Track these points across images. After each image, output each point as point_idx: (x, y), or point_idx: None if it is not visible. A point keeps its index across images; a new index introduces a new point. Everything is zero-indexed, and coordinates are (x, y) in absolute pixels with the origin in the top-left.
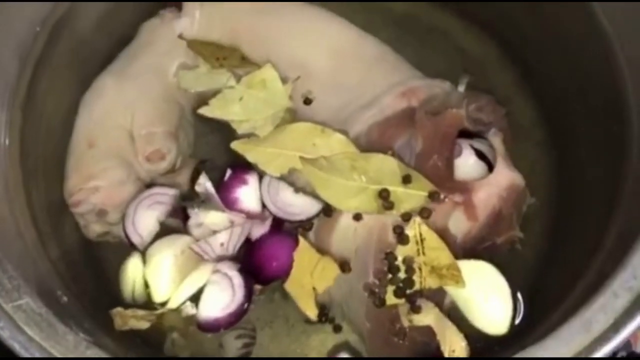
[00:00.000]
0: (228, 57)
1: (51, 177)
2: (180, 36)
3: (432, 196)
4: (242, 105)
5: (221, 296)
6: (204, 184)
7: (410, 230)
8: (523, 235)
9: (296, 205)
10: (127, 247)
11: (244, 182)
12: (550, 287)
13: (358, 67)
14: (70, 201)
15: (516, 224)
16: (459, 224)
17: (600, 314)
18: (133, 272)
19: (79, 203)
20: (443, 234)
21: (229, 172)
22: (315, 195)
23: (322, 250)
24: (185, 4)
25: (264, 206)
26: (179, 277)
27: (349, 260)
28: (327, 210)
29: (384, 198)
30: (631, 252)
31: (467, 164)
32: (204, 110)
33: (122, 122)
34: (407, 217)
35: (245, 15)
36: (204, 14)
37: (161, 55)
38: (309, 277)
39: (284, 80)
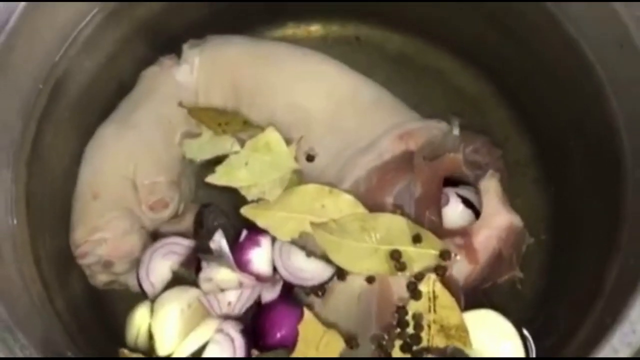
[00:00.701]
0: (230, 122)
1: (57, 229)
2: (180, 104)
3: (444, 255)
4: (248, 170)
5: (222, 355)
6: (219, 241)
7: (424, 287)
8: (523, 275)
9: (308, 271)
10: (133, 295)
11: (257, 244)
12: (552, 321)
13: (356, 111)
14: (76, 253)
15: (516, 264)
16: (461, 268)
17: None
18: (140, 320)
19: (85, 255)
20: (447, 280)
21: (244, 233)
22: (327, 259)
23: (332, 315)
24: (185, 51)
25: (275, 270)
26: (184, 331)
27: (356, 335)
28: (341, 275)
29: (396, 259)
30: (629, 305)
31: (455, 212)
32: (211, 179)
33: (124, 172)
34: (420, 276)
35: (245, 62)
36: (204, 61)
37: (162, 103)
38: (314, 350)
39: (288, 142)
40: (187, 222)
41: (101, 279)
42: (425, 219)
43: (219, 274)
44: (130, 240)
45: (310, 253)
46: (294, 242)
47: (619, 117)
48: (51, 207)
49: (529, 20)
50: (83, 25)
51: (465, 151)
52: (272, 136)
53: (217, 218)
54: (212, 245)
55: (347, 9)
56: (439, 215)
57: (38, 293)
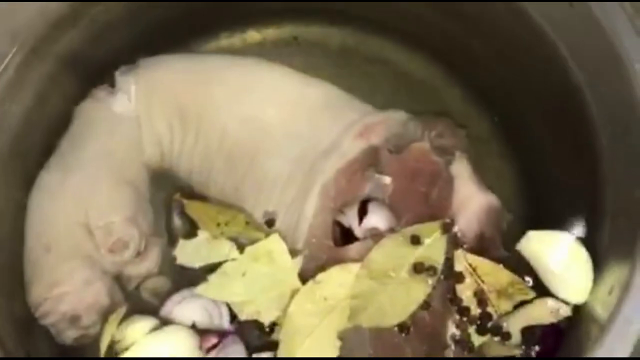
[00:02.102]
0: (230, 222)
1: (10, 291)
2: (177, 197)
3: (445, 228)
4: (245, 282)
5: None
6: None
7: (458, 265)
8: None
9: None
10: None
11: None
12: None
13: (309, 114)
14: (37, 314)
15: (499, 244)
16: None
17: (617, 344)
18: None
19: (47, 314)
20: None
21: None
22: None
23: None
24: (118, 79)
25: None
26: None
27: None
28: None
29: (421, 270)
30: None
31: (379, 218)
32: (203, 290)
33: (75, 217)
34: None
35: (184, 81)
36: (140, 86)
37: (103, 137)
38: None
39: (293, 253)
40: (152, 259)
41: (69, 335)
42: (405, 215)
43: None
44: (94, 290)
45: None
46: None
47: (579, 75)
48: (1, 269)
49: None
50: (2, 68)
51: (430, 137)
52: (275, 245)
53: None
54: None
55: (281, 8)
56: (427, 200)
57: None
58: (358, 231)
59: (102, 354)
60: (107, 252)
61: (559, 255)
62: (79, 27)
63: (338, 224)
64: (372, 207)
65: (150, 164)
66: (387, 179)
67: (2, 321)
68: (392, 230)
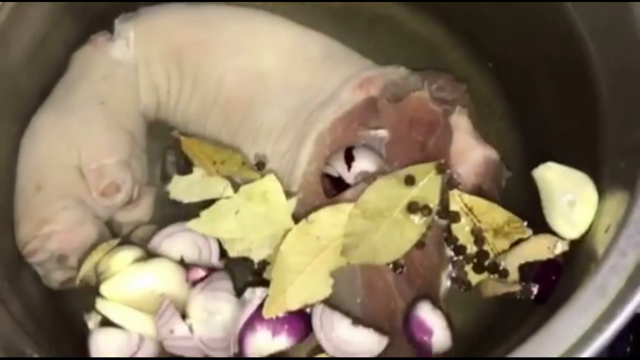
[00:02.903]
0: (226, 161)
1: (1, 228)
2: (175, 134)
3: (440, 168)
4: (237, 220)
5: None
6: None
7: (454, 205)
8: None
9: (356, 342)
10: (95, 293)
11: None
12: None
13: (308, 65)
14: (24, 251)
15: (497, 199)
16: None
17: (611, 276)
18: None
19: (34, 252)
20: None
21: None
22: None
23: None
24: (117, 26)
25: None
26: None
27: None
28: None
29: (415, 210)
30: (631, 209)
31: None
32: (194, 225)
33: (68, 159)
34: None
35: (184, 30)
36: (139, 33)
37: (99, 83)
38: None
39: (288, 194)
40: (144, 207)
41: (56, 277)
42: (400, 161)
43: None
44: (84, 230)
45: (356, 321)
46: (335, 307)
47: (581, 23)
48: None
49: None
50: (1, 5)
51: (431, 89)
52: (270, 185)
53: None
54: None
55: None
56: (425, 150)
57: None
58: (348, 177)
59: (77, 280)
60: (98, 195)
61: (571, 190)
62: None
63: (327, 176)
64: (358, 152)
65: (146, 112)
66: (384, 131)
67: None
68: (384, 172)
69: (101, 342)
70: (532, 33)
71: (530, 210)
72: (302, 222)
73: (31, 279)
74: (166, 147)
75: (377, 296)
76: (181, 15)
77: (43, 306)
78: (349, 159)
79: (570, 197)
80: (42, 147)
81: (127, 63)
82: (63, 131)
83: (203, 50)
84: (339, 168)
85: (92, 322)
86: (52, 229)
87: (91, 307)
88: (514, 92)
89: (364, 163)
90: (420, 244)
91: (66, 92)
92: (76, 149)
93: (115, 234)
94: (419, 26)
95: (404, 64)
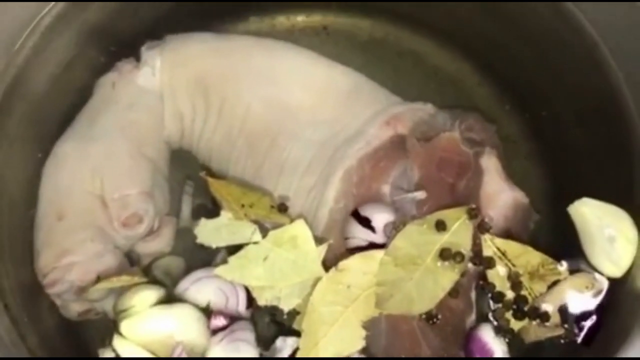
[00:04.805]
0: (255, 203)
1: (19, 257)
2: (203, 175)
3: (471, 213)
4: (266, 267)
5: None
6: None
7: (487, 250)
8: None
9: None
10: (111, 322)
11: None
12: None
13: (335, 99)
14: (44, 282)
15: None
16: None
17: None
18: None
19: (54, 283)
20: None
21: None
22: None
23: None
24: (144, 53)
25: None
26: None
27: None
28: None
29: (448, 257)
30: None
31: (385, 214)
32: (222, 272)
33: (90, 188)
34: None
35: (210, 59)
36: (166, 61)
37: (124, 111)
38: None
39: (318, 240)
40: (165, 238)
41: (74, 308)
42: (430, 204)
43: None
44: (104, 262)
45: None
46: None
47: (618, 75)
48: (12, 233)
49: None
50: (29, 31)
51: (460, 128)
52: (300, 231)
53: None
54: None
55: None
56: (454, 191)
57: (7, 330)
58: (379, 238)
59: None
60: (120, 226)
61: (610, 225)
62: None
63: (360, 248)
64: (367, 210)
65: (170, 141)
66: (412, 171)
67: (12, 289)
68: (413, 215)
69: None
70: (560, 68)
71: (562, 250)
72: (333, 271)
73: (49, 309)
74: (184, 176)
75: (402, 342)
76: (208, 44)
77: (59, 337)
78: (365, 222)
79: (610, 233)
80: (65, 176)
81: (153, 91)
82: (86, 160)
83: (229, 80)
84: (363, 235)
85: (105, 355)
86: (73, 260)
87: (107, 341)
88: (542, 132)
89: (381, 217)
90: (454, 292)
91: (90, 119)
92: (99, 178)
93: (134, 265)
94: (444, 61)
95: (430, 97)
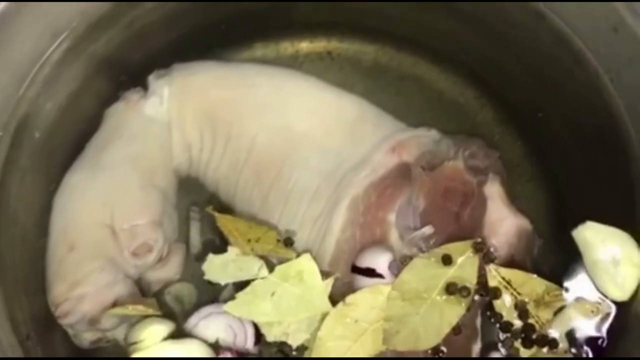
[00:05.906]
0: (261, 238)
1: (33, 288)
2: (210, 210)
3: (477, 247)
4: (273, 302)
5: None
6: None
7: (492, 280)
8: None
9: None
10: (123, 349)
11: None
12: None
13: (340, 129)
14: (57, 313)
15: (530, 269)
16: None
17: None
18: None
19: (67, 314)
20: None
21: None
22: None
23: None
24: (152, 82)
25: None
26: None
27: None
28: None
29: (454, 291)
30: None
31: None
32: (229, 307)
33: (100, 218)
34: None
35: (217, 88)
36: (173, 90)
37: (132, 141)
38: None
39: (324, 274)
40: (174, 265)
41: (87, 337)
42: (436, 234)
43: None
44: (116, 292)
45: None
46: None
47: (619, 102)
48: (24, 264)
49: (510, 15)
50: (40, 64)
51: (464, 156)
52: (306, 265)
53: None
54: None
55: (316, 23)
56: (459, 220)
57: None
58: (387, 280)
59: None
60: (130, 256)
61: (614, 249)
62: (117, 29)
63: None
64: (367, 258)
65: (178, 170)
66: (418, 200)
67: (25, 321)
68: (419, 247)
69: None
70: (561, 95)
71: (566, 274)
72: (340, 305)
73: (61, 338)
74: (192, 202)
75: None
76: (215, 73)
77: None
78: (370, 272)
79: (614, 256)
80: (76, 206)
81: (160, 120)
82: (97, 190)
83: (235, 110)
84: (372, 283)
85: None
86: (84, 291)
87: None
88: (544, 157)
89: (382, 260)
90: (457, 329)
91: (99, 149)
92: (109, 209)
93: (144, 292)
94: (447, 86)
95: (434, 122)
